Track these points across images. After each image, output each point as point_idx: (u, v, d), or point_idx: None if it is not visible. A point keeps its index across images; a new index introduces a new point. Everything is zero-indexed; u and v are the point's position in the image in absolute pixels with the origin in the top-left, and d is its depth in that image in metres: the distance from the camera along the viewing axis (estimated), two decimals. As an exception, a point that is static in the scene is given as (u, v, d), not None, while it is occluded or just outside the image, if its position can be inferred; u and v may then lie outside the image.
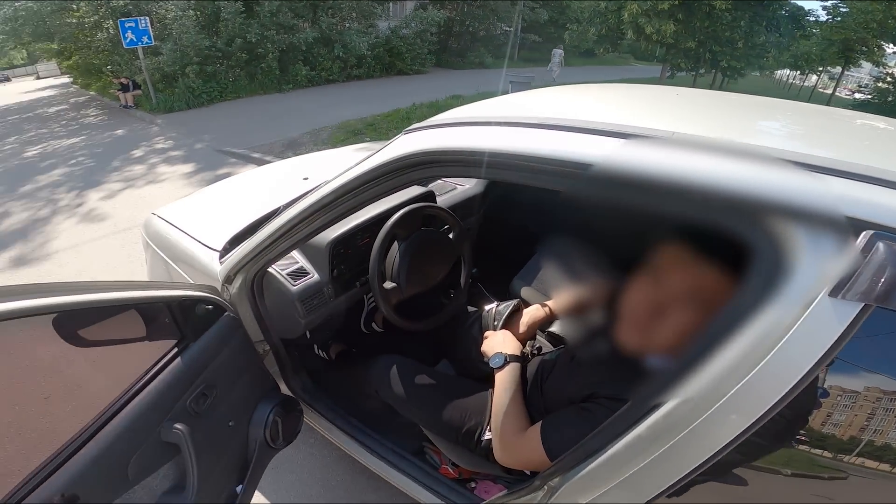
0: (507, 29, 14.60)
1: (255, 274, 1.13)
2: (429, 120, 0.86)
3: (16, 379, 0.72)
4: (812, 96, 18.92)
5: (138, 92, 8.55)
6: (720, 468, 0.60)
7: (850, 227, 0.48)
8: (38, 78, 23.10)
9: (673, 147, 0.58)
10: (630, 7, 12.50)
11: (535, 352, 1.26)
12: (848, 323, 0.48)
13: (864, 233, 0.47)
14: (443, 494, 1.10)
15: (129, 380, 0.84)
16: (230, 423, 1.00)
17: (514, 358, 1.00)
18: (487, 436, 1.06)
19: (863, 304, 0.47)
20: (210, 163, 5.46)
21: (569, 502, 0.74)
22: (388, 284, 1.26)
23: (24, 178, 5.27)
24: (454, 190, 1.82)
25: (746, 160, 0.54)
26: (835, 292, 0.48)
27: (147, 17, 7.43)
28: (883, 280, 0.45)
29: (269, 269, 1.19)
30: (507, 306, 1.20)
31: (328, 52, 9.78)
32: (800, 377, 0.50)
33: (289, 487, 1.63)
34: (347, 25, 10.47)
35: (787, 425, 0.56)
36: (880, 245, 0.46)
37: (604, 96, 1.01)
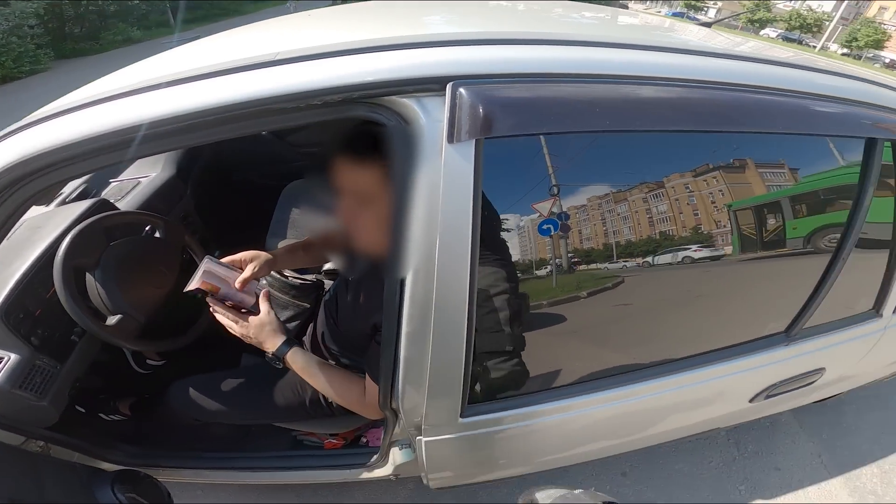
0: (148, -3, 11.89)
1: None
2: (17, 123, 0.70)
3: None
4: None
5: None
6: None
7: (438, 84, 0.60)
8: None
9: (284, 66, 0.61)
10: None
11: (321, 294, 1.25)
12: (472, 159, 0.61)
13: (448, 85, 0.60)
14: (345, 465, 1.13)
15: None
16: None
17: (286, 345, 0.90)
18: None
19: (475, 140, 0.61)
20: None
21: (416, 418, 0.84)
22: (113, 319, 1.06)
23: None
24: (139, 185, 1.51)
25: (341, 58, 0.61)
26: (450, 139, 0.60)
27: None
28: (475, 117, 0.59)
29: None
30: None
31: None
32: (471, 212, 0.63)
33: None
34: None
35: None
36: (461, 91, 0.59)
37: (232, 40, 0.96)
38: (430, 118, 0.61)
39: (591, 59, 0.66)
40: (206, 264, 0.90)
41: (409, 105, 0.61)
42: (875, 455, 1.81)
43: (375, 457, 1.09)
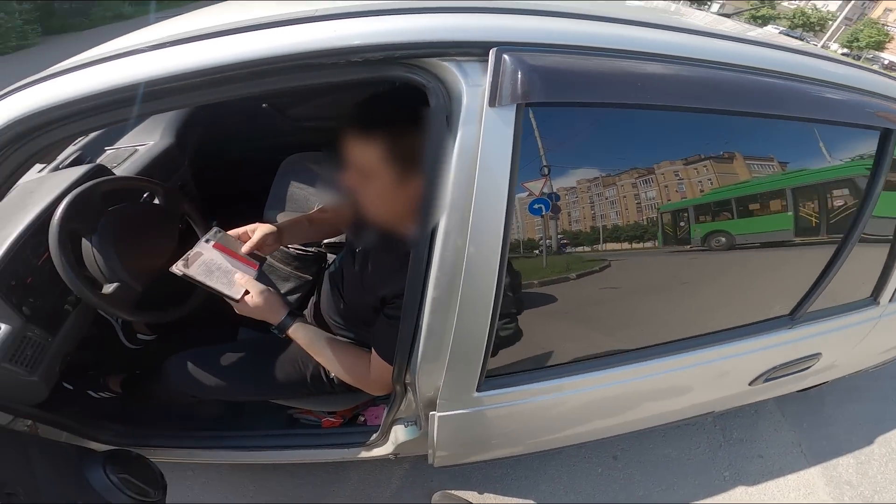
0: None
1: None
2: (19, 83, 0.68)
3: None
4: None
5: None
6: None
7: (481, 49, 0.60)
8: None
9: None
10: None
11: (324, 266, 1.23)
12: (513, 123, 0.62)
13: (492, 51, 0.59)
14: (343, 444, 1.12)
15: None
16: None
17: (290, 319, 0.91)
18: None
19: (515, 105, 0.61)
20: None
21: (430, 392, 0.84)
22: (109, 287, 1.02)
23: None
24: (136, 152, 1.47)
25: (384, 17, 0.60)
26: (492, 102, 0.60)
27: None
28: (518, 82, 0.59)
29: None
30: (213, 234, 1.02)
31: None
32: (508, 179, 0.64)
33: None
34: None
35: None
36: (505, 57, 0.59)
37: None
38: (469, 82, 0.61)
39: (628, 37, 0.67)
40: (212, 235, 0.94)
41: (449, 68, 0.61)
42: (852, 446, 1.88)
43: (375, 435, 1.08)
